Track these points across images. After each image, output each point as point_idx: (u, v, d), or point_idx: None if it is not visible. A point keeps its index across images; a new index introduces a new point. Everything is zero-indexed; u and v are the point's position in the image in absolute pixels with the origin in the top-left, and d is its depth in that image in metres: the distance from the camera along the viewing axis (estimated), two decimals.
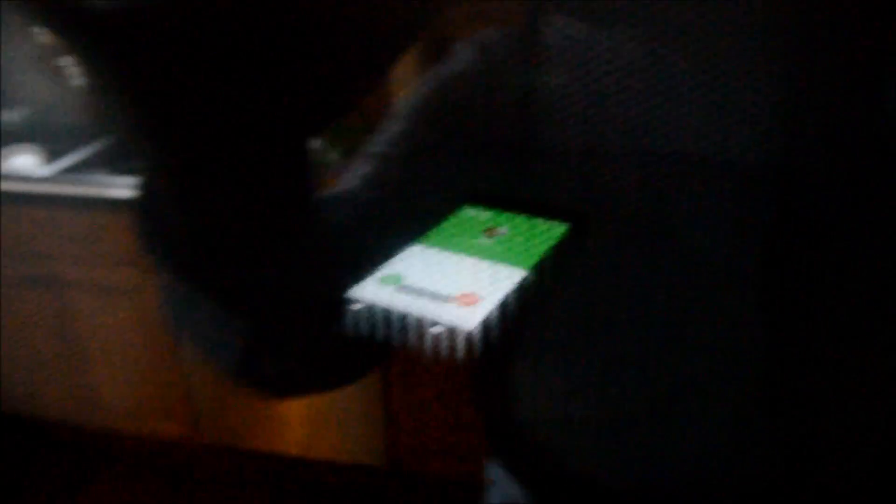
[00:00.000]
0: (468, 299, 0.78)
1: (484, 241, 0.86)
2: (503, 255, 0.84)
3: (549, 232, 0.88)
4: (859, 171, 0.75)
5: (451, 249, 0.84)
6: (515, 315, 0.76)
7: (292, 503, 2.86)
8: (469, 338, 0.72)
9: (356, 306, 0.76)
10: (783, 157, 0.76)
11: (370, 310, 0.76)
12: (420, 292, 0.78)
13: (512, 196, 0.90)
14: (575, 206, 0.87)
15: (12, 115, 3.28)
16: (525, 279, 0.80)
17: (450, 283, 0.79)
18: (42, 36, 3.22)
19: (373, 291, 0.78)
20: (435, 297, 0.77)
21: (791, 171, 0.76)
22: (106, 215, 2.72)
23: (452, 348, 0.72)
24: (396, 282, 0.80)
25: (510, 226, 0.89)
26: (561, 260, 0.84)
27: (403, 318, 0.74)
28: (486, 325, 0.73)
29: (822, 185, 0.75)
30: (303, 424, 2.87)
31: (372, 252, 0.75)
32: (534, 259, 0.84)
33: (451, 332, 0.72)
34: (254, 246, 0.67)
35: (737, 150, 0.77)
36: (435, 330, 0.73)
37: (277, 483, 2.99)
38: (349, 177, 0.90)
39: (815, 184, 0.75)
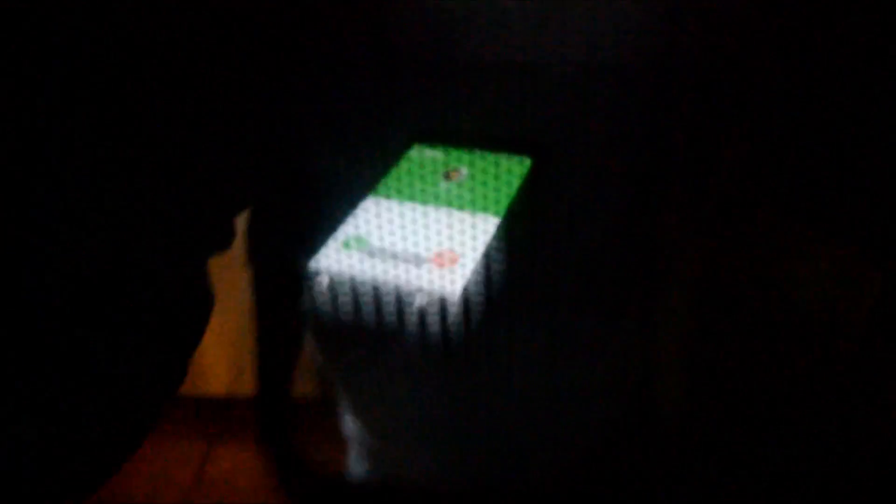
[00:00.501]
0: (446, 258, 0.70)
1: (444, 185, 0.79)
2: (471, 202, 0.77)
3: (513, 169, 0.80)
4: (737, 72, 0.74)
5: (411, 199, 0.77)
6: (497, 271, 0.69)
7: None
8: (456, 304, 0.65)
9: (321, 279, 0.67)
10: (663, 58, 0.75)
11: (337, 282, 0.67)
12: (392, 255, 0.69)
13: (459, 130, 0.82)
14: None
15: None
16: (499, 227, 0.73)
17: (421, 242, 0.72)
18: None
19: (338, 259, 0.69)
20: (409, 259, 0.69)
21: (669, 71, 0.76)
22: None
23: (440, 317, 0.66)
24: (362, 245, 0.71)
25: (469, 165, 0.81)
26: (531, 199, 0.77)
27: (377, 288, 0.66)
28: (469, 288, 0.67)
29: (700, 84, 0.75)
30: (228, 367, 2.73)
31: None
32: (504, 202, 0.77)
33: (436, 298, 0.66)
34: None
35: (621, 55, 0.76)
36: (418, 299, 0.66)
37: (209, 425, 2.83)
38: None
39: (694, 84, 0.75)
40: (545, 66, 0.77)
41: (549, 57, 0.76)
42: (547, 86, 0.76)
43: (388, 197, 0.77)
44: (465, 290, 0.66)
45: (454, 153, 0.83)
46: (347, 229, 0.72)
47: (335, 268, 0.67)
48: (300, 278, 0.67)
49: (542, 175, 0.78)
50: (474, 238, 0.72)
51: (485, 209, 0.76)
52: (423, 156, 0.83)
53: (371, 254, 0.69)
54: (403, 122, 0.81)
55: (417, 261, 0.69)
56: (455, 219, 0.75)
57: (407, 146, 0.83)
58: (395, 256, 0.69)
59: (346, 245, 0.70)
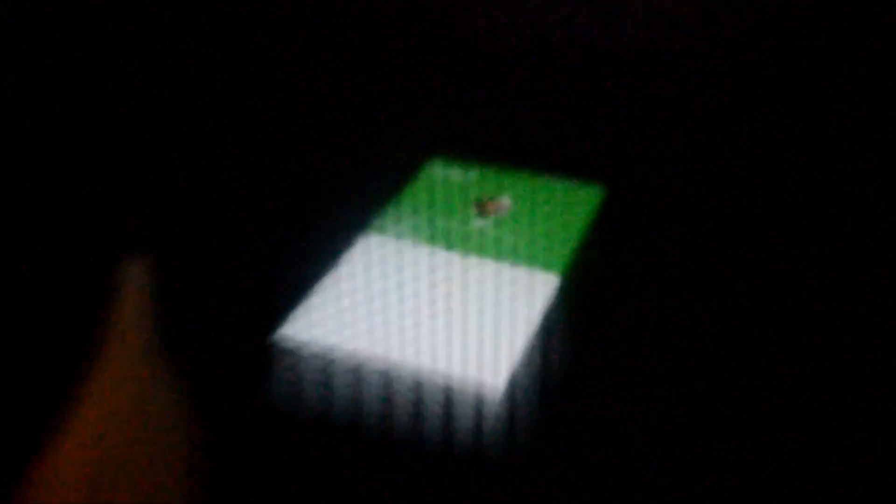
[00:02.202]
0: (486, 344, 0.54)
1: (479, 223, 0.64)
2: (519, 249, 0.61)
3: (576, 200, 0.65)
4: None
5: (429, 241, 0.62)
6: (554, 356, 0.57)
7: None
8: (498, 402, 0.51)
9: (290, 355, 0.55)
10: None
11: (311, 359, 0.55)
12: (397, 327, 0.55)
13: (491, 142, 0.71)
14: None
15: None
16: (562, 287, 0.59)
17: (443, 308, 0.57)
18: None
19: (312, 328, 0.56)
20: (426, 333, 0.55)
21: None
22: None
23: (475, 417, 0.52)
24: (349, 309, 0.57)
25: (513, 192, 0.66)
26: (606, 249, 0.64)
27: (373, 370, 0.53)
28: (515, 381, 0.53)
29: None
30: None
31: None
32: (568, 252, 0.61)
33: (470, 392, 0.51)
34: None
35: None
36: (441, 391, 0.52)
37: None
38: None
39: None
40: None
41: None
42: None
43: (392, 235, 0.63)
44: (512, 381, 0.53)
45: (490, 174, 0.68)
46: (330, 289, 0.60)
47: (309, 340, 0.55)
48: (260, 357, 0.58)
49: (618, 210, 0.66)
50: (529, 306, 0.57)
51: (539, 261, 0.61)
52: (445, 176, 0.69)
53: (365, 321, 0.56)
54: (413, 129, 0.74)
55: (440, 335, 0.55)
56: (494, 274, 0.60)
57: (419, 161, 0.70)
58: (401, 328, 0.55)
59: (322, 308, 0.57)
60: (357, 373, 0.55)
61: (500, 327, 0.56)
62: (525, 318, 0.56)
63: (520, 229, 0.64)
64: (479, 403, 0.51)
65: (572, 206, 0.66)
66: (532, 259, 0.62)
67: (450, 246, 0.63)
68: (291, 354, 0.56)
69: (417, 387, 0.53)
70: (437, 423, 0.54)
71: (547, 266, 0.61)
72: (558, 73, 0.82)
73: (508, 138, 0.74)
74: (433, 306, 0.58)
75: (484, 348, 0.54)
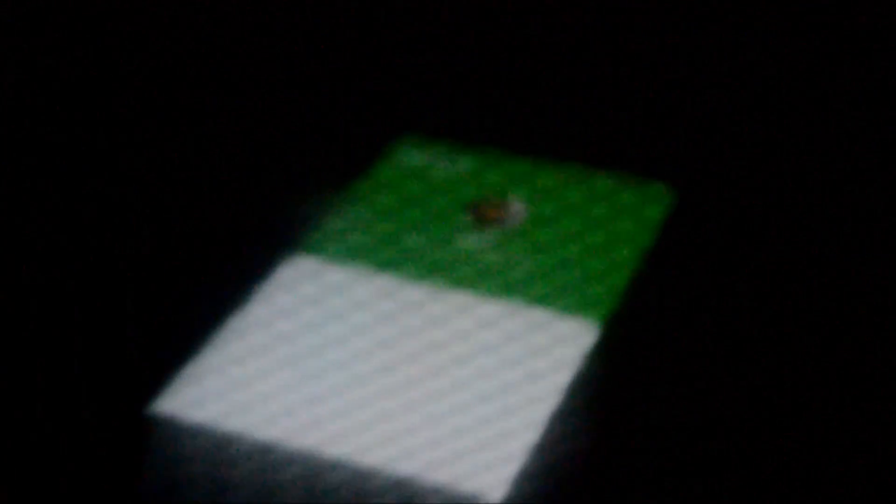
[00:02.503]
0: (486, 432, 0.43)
1: (474, 238, 0.50)
2: (536, 281, 0.48)
3: (627, 206, 0.52)
4: None
5: (402, 267, 0.48)
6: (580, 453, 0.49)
7: None
8: None
9: (168, 430, 0.47)
10: None
11: (223, 452, 0.45)
12: (353, 415, 0.44)
13: (491, 115, 0.64)
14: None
15: None
16: (602, 343, 0.48)
17: (421, 382, 0.44)
18: None
19: (224, 409, 0.45)
20: (391, 413, 0.44)
21: None
22: None
23: None
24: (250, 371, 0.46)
25: (527, 192, 0.52)
26: (674, 284, 0.56)
27: (319, 475, 0.44)
28: (521, 493, 0.44)
29: None
30: None
31: None
32: (612, 288, 0.48)
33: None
34: None
35: None
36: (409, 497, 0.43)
37: None
38: None
39: None
40: None
41: None
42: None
43: (332, 257, 0.51)
44: (515, 493, 0.43)
45: (490, 163, 0.54)
46: (234, 340, 0.48)
47: (201, 415, 0.46)
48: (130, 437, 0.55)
49: (694, 223, 0.59)
50: (549, 372, 0.44)
51: (573, 304, 0.47)
52: (420, 165, 0.56)
53: (286, 392, 0.45)
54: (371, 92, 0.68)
55: (404, 418, 0.44)
56: (497, 320, 0.46)
57: (380, 142, 0.61)
58: (342, 405, 0.44)
59: (222, 369, 0.47)
60: (268, 465, 0.47)
61: (501, 407, 0.44)
62: (541, 393, 0.44)
63: (538, 250, 0.50)
64: None
65: (620, 215, 0.53)
66: (556, 297, 0.47)
67: (426, 274, 0.49)
68: (174, 434, 0.48)
69: (361, 494, 0.44)
70: None
71: (579, 309, 0.48)
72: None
73: (518, 110, 0.67)
74: (394, 372, 0.45)
75: (473, 440, 0.43)
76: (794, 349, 0.70)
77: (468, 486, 0.44)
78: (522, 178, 0.55)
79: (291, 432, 0.46)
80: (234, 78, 0.81)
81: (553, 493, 0.51)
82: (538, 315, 0.48)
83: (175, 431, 0.49)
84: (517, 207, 0.53)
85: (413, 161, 0.57)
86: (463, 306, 0.48)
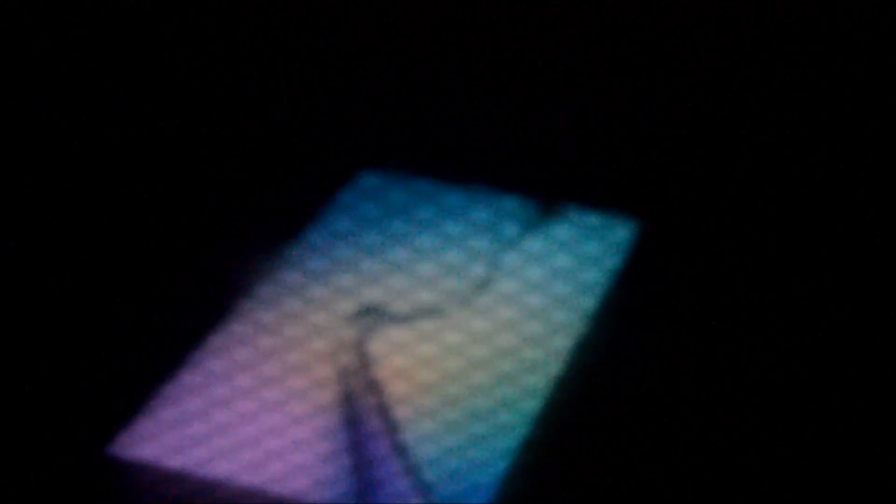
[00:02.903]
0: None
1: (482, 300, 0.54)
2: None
3: (578, 244, 0.56)
4: None
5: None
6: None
7: None
8: None
9: (153, 485, 0.46)
10: None
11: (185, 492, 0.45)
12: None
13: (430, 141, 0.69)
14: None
15: None
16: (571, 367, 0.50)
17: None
18: None
19: (182, 448, 0.47)
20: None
21: None
22: None
23: None
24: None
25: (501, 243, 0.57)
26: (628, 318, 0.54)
27: None
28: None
29: None
30: None
31: None
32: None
33: None
34: None
35: None
36: None
37: None
38: None
39: None
40: None
41: None
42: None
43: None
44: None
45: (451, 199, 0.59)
46: (192, 380, 0.50)
47: (159, 455, 0.46)
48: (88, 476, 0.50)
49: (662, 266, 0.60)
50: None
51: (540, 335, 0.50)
52: (387, 201, 0.60)
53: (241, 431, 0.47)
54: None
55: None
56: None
57: (346, 176, 0.63)
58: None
59: (178, 408, 0.48)
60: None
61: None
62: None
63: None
64: None
65: (586, 243, 0.56)
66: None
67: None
68: (132, 474, 0.48)
69: None
70: None
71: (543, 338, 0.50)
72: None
73: (478, 142, 0.69)
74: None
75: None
76: (761, 360, 0.68)
77: None
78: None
79: (259, 473, 0.46)
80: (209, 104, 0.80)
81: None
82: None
83: (133, 473, 0.48)
84: None
85: (376, 197, 0.59)
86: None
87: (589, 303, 0.53)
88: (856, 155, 0.78)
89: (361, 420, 0.48)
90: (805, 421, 0.70)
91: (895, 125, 0.80)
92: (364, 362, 0.52)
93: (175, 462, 0.48)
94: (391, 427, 0.49)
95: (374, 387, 0.51)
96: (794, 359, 0.70)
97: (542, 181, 0.70)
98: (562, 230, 0.59)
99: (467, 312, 0.53)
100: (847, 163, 0.78)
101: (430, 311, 0.54)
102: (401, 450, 0.47)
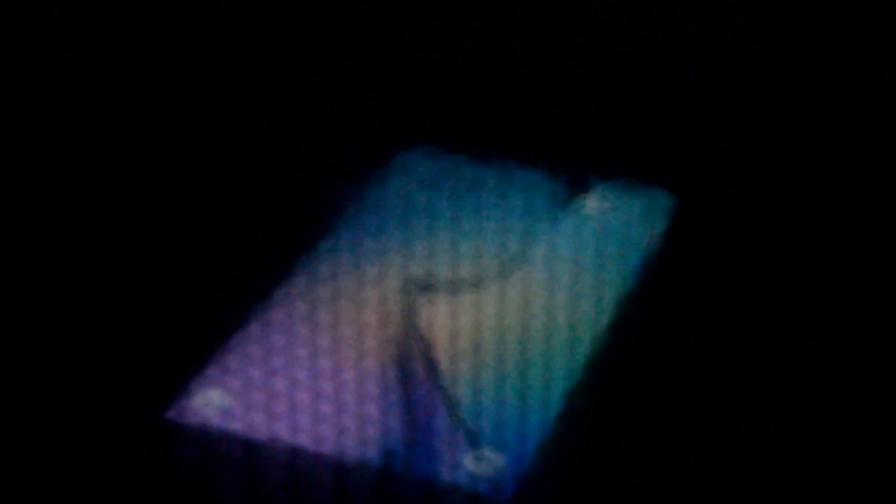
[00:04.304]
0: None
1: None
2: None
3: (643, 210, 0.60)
4: None
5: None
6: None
7: None
8: None
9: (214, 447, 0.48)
10: None
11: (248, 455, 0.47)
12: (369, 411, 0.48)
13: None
14: None
15: None
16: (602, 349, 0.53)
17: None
18: None
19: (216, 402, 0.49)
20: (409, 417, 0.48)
21: None
22: None
23: None
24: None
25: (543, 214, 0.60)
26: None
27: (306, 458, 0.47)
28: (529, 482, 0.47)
29: None
30: None
31: None
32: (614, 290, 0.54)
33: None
34: None
35: None
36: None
37: None
38: None
39: None
40: None
41: None
42: None
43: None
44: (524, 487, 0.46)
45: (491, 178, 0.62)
46: (255, 340, 0.52)
47: (222, 417, 0.48)
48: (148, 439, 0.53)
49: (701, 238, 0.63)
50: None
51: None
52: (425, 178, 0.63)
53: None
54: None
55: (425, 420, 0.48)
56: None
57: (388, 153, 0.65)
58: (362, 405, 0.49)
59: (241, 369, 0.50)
60: (293, 466, 0.48)
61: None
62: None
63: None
64: None
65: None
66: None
67: None
68: (194, 436, 0.50)
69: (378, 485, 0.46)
70: None
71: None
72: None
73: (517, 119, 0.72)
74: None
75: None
76: (795, 353, 0.68)
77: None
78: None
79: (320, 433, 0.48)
80: (242, 86, 0.81)
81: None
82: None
83: (195, 435, 0.51)
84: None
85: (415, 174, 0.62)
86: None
87: (625, 277, 0.55)
88: None
89: (410, 381, 0.50)
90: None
91: None
92: (412, 330, 0.55)
93: (231, 426, 0.49)
94: (439, 385, 0.51)
95: (422, 350, 0.53)
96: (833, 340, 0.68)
97: (577, 156, 0.71)
98: (596, 205, 0.61)
99: (505, 284, 0.56)
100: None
101: (471, 283, 0.56)
102: (449, 404, 0.49)
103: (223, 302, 0.62)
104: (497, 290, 0.56)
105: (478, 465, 0.46)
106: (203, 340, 0.59)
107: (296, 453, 0.48)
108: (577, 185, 0.65)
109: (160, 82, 0.83)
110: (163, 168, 0.77)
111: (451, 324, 0.55)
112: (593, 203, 0.63)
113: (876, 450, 0.66)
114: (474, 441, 0.47)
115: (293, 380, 0.51)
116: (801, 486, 0.64)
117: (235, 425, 0.49)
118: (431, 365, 0.52)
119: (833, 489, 0.64)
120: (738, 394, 0.66)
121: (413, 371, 0.52)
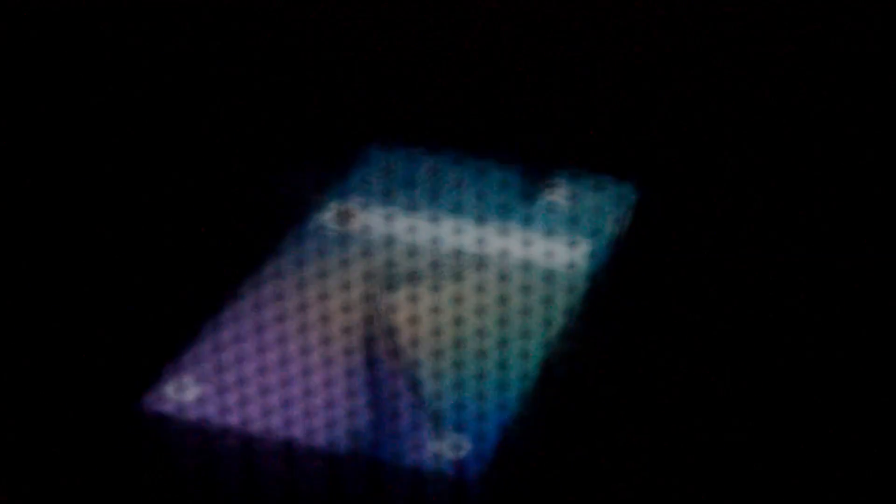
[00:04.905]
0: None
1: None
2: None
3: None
4: None
5: None
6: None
7: None
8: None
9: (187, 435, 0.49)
10: None
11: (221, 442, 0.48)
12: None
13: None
14: None
15: None
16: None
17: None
18: None
19: (218, 397, 0.49)
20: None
21: None
22: None
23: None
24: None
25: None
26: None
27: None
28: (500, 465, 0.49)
29: None
30: None
31: None
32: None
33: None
34: None
35: None
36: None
37: None
38: None
39: None
40: None
41: None
42: None
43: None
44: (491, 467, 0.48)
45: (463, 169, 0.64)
46: (229, 326, 0.53)
47: (195, 404, 0.49)
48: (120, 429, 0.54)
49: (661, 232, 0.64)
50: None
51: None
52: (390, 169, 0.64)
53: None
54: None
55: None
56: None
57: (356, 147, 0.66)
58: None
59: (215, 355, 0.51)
60: (265, 454, 0.48)
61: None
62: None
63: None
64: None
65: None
66: None
67: None
68: (166, 425, 0.50)
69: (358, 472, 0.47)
70: None
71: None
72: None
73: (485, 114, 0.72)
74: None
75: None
76: (761, 344, 0.68)
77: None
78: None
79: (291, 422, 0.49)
80: (207, 83, 0.81)
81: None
82: None
83: (167, 423, 0.51)
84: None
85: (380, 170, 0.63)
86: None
87: (590, 266, 0.57)
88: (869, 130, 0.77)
89: (375, 365, 0.51)
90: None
91: None
92: (380, 317, 0.56)
93: (202, 415, 0.49)
94: (403, 369, 0.52)
95: (389, 334, 0.54)
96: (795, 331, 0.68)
97: (542, 151, 0.71)
98: (561, 200, 0.62)
99: (474, 273, 0.57)
100: (862, 139, 0.76)
101: (439, 273, 0.57)
102: (414, 385, 0.50)
103: (194, 290, 0.62)
104: (459, 280, 0.57)
105: (442, 446, 0.47)
106: (176, 329, 0.58)
107: (266, 437, 0.49)
108: (541, 180, 0.66)
109: (124, 82, 0.82)
110: (131, 161, 0.76)
111: (414, 310, 0.56)
112: (558, 197, 0.64)
113: (841, 437, 0.65)
114: (438, 423, 0.48)
115: (263, 366, 0.52)
116: (763, 475, 0.62)
117: (208, 411, 0.50)
118: (395, 350, 0.54)
119: (802, 486, 0.63)
120: (699, 380, 0.66)
121: (378, 355, 0.53)
